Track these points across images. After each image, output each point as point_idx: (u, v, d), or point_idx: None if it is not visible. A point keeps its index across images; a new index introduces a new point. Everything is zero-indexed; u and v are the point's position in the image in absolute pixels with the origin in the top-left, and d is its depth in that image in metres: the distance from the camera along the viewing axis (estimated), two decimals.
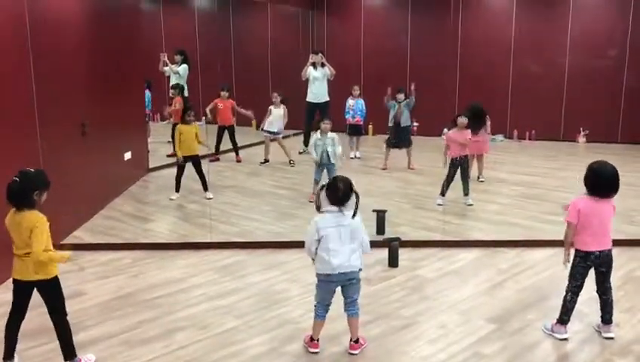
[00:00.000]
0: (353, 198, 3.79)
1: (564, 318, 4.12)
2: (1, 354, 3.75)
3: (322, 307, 3.93)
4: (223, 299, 4.77)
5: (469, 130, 7.30)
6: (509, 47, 11.95)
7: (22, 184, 3.52)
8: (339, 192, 3.75)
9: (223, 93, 9.82)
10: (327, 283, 3.87)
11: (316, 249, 3.81)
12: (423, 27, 12.43)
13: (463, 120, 7.24)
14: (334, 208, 3.78)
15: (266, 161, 9.80)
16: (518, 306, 4.60)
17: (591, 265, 4.07)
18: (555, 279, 4.84)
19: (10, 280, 4.92)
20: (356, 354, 3.91)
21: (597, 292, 4.16)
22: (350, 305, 3.92)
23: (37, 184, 3.58)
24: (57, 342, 3.72)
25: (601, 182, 3.97)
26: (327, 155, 7.23)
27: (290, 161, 9.71)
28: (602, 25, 11.40)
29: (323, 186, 3.86)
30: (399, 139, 9.34)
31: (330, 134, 7.29)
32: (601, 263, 4.07)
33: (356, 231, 3.81)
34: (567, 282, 4.14)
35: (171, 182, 7.73)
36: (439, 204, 7.20)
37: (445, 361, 3.84)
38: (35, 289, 3.68)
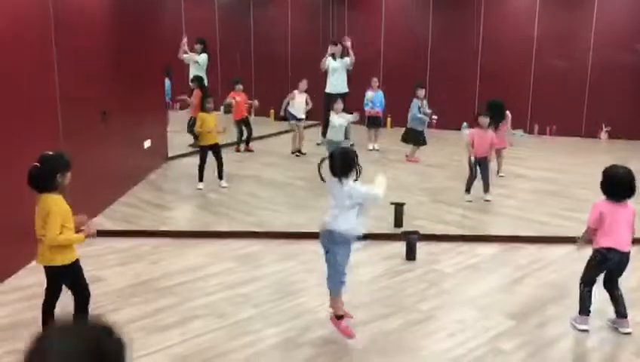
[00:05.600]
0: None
1: (583, 310, 4.14)
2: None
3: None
4: (240, 288, 4.78)
5: (491, 131, 7.25)
6: (531, 41, 11.78)
7: (43, 168, 3.55)
8: (336, 164, 3.86)
9: (237, 87, 9.85)
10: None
11: None
12: (444, 20, 12.31)
13: (484, 119, 7.15)
14: (334, 179, 3.89)
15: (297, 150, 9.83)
16: (537, 302, 4.56)
17: (609, 265, 4.07)
18: (575, 276, 4.73)
19: (30, 265, 5.03)
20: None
21: (605, 288, 4.18)
22: (328, 276, 4.03)
23: (58, 166, 3.60)
24: None
25: (616, 187, 4.05)
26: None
27: (300, 149, 9.73)
28: (627, 19, 11.21)
29: (323, 159, 3.95)
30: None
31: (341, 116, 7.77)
32: (619, 265, 4.07)
33: (353, 192, 3.84)
34: (581, 275, 4.19)
35: (190, 170, 7.75)
36: (469, 201, 7.14)
37: (463, 356, 3.81)
38: (57, 274, 3.72)
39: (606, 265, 4.08)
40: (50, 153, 3.66)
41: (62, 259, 3.67)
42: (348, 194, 3.82)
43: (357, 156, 3.95)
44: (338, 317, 3.99)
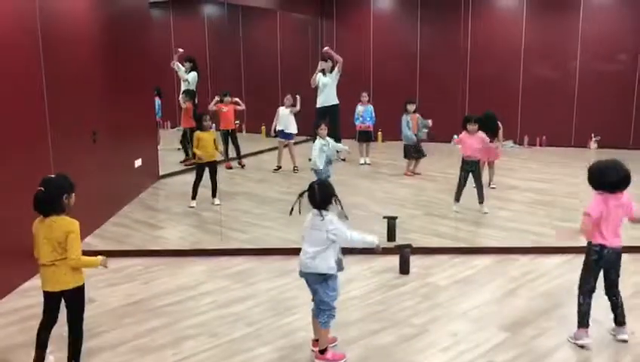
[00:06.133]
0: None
1: (583, 322, 4.10)
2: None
3: None
4: (233, 306, 4.75)
5: (482, 133, 7.22)
6: (519, 52, 11.90)
7: (48, 191, 3.51)
8: (316, 196, 3.84)
9: (225, 99, 9.87)
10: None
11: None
12: (432, 33, 12.42)
13: (473, 127, 7.16)
14: (315, 211, 3.86)
15: (279, 167, 9.79)
16: (531, 314, 4.55)
17: (602, 265, 4.04)
18: (569, 286, 4.76)
19: (22, 287, 4.99)
20: None
21: (606, 294, 4.15)
22: (316, 308, 3.92)
23: (64, 188, 3.58)
24: (64, 352, 3.70)
25: (607, 178, 4.00)
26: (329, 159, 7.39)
27: (294, 167, 9.70)
28: (613, 29, 11.33)
29: (303, 193, 3.91)
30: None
31: (327, 139, 7.39)
32: (612, 262, 4.03)
33: (337, 233, 3.78)
34: (578, 285, 4.15)
35: (182, 189, 7.72)
36: (456, 211, 7.15)
37: None
38: (64, 297, 3.65)
39: (602, 262, 4.03)
40: (53, 176, 3.64)
41: (76, 281, 3.64)
42: (329, 231, 3.76)
43: (334, 190, 3.91)
44: (322, 352, 3.89)
